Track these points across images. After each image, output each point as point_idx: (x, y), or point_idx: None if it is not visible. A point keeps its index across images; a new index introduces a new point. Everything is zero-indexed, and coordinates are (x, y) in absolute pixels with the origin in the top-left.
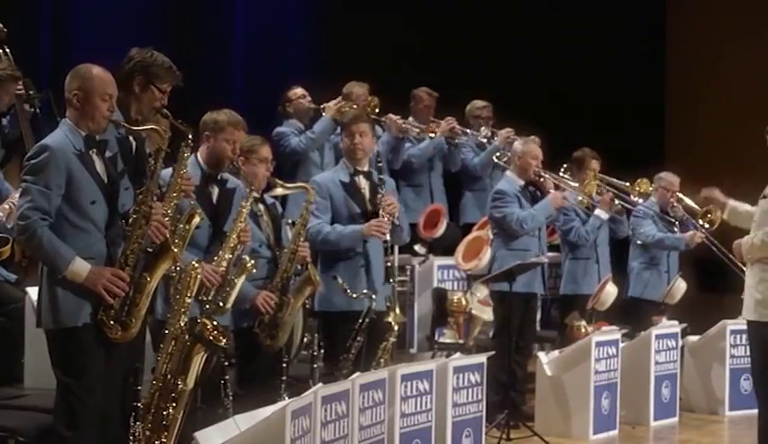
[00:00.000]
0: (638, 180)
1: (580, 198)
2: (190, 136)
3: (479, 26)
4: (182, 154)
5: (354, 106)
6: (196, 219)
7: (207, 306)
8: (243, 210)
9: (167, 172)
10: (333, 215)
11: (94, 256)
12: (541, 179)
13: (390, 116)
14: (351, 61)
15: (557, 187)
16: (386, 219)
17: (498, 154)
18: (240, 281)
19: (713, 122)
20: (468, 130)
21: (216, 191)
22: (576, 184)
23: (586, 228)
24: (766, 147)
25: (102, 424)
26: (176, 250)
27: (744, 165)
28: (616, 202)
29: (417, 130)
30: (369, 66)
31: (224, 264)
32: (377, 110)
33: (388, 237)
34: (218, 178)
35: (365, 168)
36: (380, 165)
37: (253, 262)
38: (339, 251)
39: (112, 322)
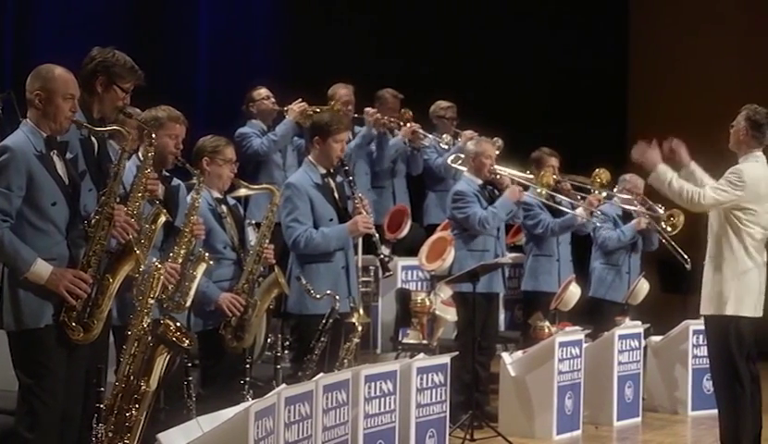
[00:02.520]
0: (597, 171)
1: (539, 190)
2: (153, 135)
3: (443, 25)
4: (147, 153)
5: (318, 110)
6: (162, 219)
7: (166, 305)
8: (195, 203)
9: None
10: (314, 217)
11: (56, 257)
12: (497, 177)
13: (368, 110)
14: (315, 61)
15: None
16: (368, 215)
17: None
18: (198, 274)
19: (676, 119)
20: (430, 135)
21: (161, 188)
22: (532, 177)
23: (557, 221)
24: (728, 143)
25: (64, 425)
26: (138, 251)
27: (706, 161)
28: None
29: (393, 125)
30: (334, 66)
31: (179, 259)
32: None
33: (374, 231)
34: (164, 175)
35: (331, 169)
36: (347, 168)
37: (208, 254)
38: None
39: (74, 323)
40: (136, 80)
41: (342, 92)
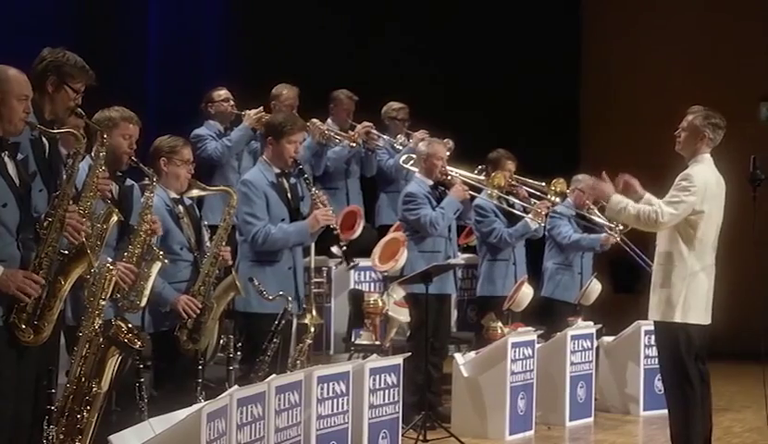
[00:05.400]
0: (555, 180)
1: (489, 191)
2: (105, 136)
3: (398, 27)
4: (98, 153)
5: (266, 116)
6: (114, 218)
7: (121, 305)
8: (149, 202)
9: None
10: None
11: (6, 259)
12: (448, 178)
13: (314, 121)
14: (267, 63)
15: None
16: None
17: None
18: (153, 273)
19: (628, 127)
20: (385, 136)
21: (115, 187)
22: (484, 178)
23: (510, 231)
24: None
25: (14, 428)
26: (90, 253)
27: (658, 170)
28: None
29: (339, 139)
30: (286, 67)
31: (134, 259)
32: None
33: (335, 224)
34: (117, 175)
35: (285, 170)
36: (300, 166)
37: (162, 253)
38: (268, 253)
39: (24, 325)
40: (87, 80)
41: (286, 92)
